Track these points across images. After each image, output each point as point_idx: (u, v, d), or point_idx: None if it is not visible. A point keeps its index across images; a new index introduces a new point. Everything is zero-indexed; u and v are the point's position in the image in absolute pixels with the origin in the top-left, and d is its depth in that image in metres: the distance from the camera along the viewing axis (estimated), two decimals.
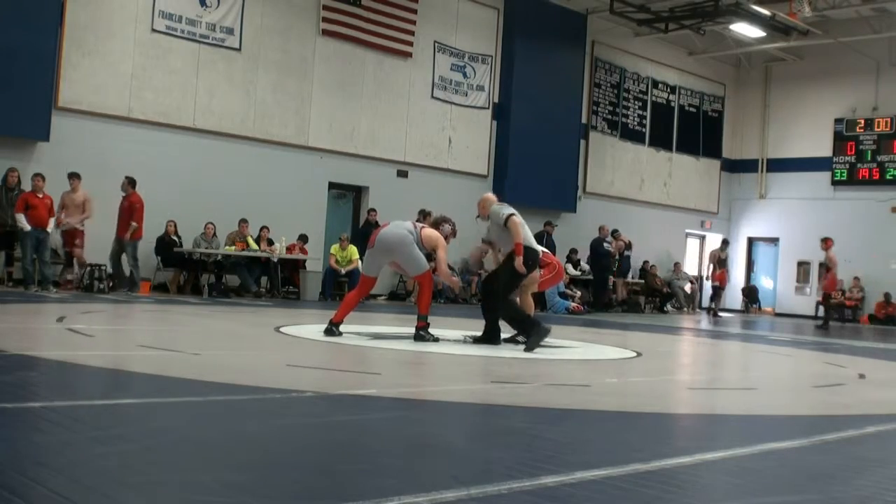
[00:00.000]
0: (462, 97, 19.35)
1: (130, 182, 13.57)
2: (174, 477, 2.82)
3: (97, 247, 13.55)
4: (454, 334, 8.83)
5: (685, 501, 2.99)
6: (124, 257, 13.60)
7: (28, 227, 12.53)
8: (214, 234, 15.12)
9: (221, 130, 15.81)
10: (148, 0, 14.86)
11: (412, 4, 18.18)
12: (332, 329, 8.09)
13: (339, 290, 16.38)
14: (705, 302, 24.03)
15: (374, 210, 17.32)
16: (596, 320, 15.32)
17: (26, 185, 13.03)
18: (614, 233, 19.84)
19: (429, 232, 8.35)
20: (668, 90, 24.17)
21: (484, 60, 19.70)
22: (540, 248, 8.64)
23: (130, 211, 13.47)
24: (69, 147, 13.89)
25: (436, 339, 8.16)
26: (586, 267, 20.10)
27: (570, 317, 16.09)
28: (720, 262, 21.60)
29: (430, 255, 8.52)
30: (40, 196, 12.75)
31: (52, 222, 12.87)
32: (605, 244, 19.46)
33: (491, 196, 8.91)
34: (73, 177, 13.21)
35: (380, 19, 17.71)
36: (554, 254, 18.74)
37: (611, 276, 19.52)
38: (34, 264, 12.68)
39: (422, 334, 8.13)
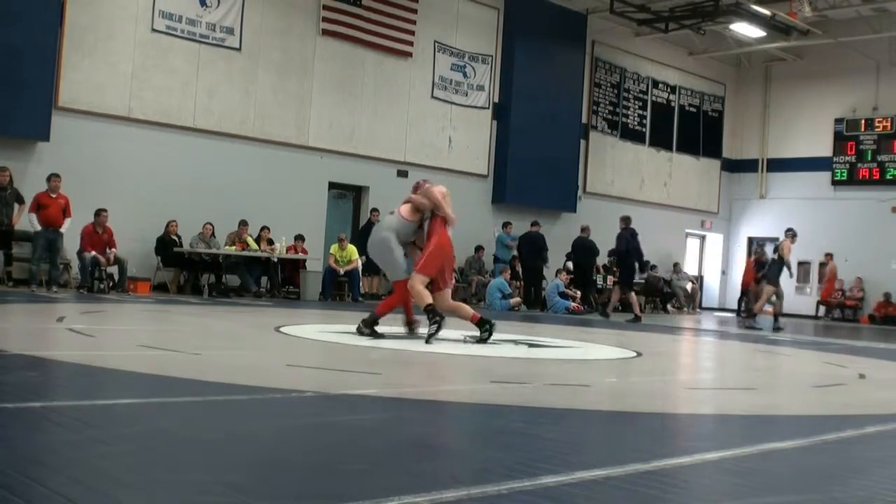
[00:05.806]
0: (462, 97, 19.35)
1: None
2: (174, 477, 2.82)
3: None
4: (454, 334, 8.82)
5: (685, 501, 2.99)
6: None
7: (38, 227, 12.54)
8: (213, 234, 15.11)
9: (221, 130, 15.81)
10: (148, 0, 14.87)
11: (412, 4, 18.18)
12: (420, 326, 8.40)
13: (339, 289, 16.38)
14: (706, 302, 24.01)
15: (376, 210, 17.29)
16: (595, 320, 15.30)
17: (25, 185, 13.02)
18: (788, 231, 16.16)
19: (410, 204, 8.17)
20: (669, 90, 24.16)
21: (484, 60, 19.70)
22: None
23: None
24: (69, 147, 13.90)
25: (377, 335, 7.97)
26: None
27: (570, 317, 16.09)
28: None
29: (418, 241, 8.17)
30: (53, 196, 12.75)
31: (67, 223, 12.86)
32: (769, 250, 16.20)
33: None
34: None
35: (380, 19, 17.72)
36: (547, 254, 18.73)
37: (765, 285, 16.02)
38: (38, 264, 12.64)
39: (360, 327, 8.05)
